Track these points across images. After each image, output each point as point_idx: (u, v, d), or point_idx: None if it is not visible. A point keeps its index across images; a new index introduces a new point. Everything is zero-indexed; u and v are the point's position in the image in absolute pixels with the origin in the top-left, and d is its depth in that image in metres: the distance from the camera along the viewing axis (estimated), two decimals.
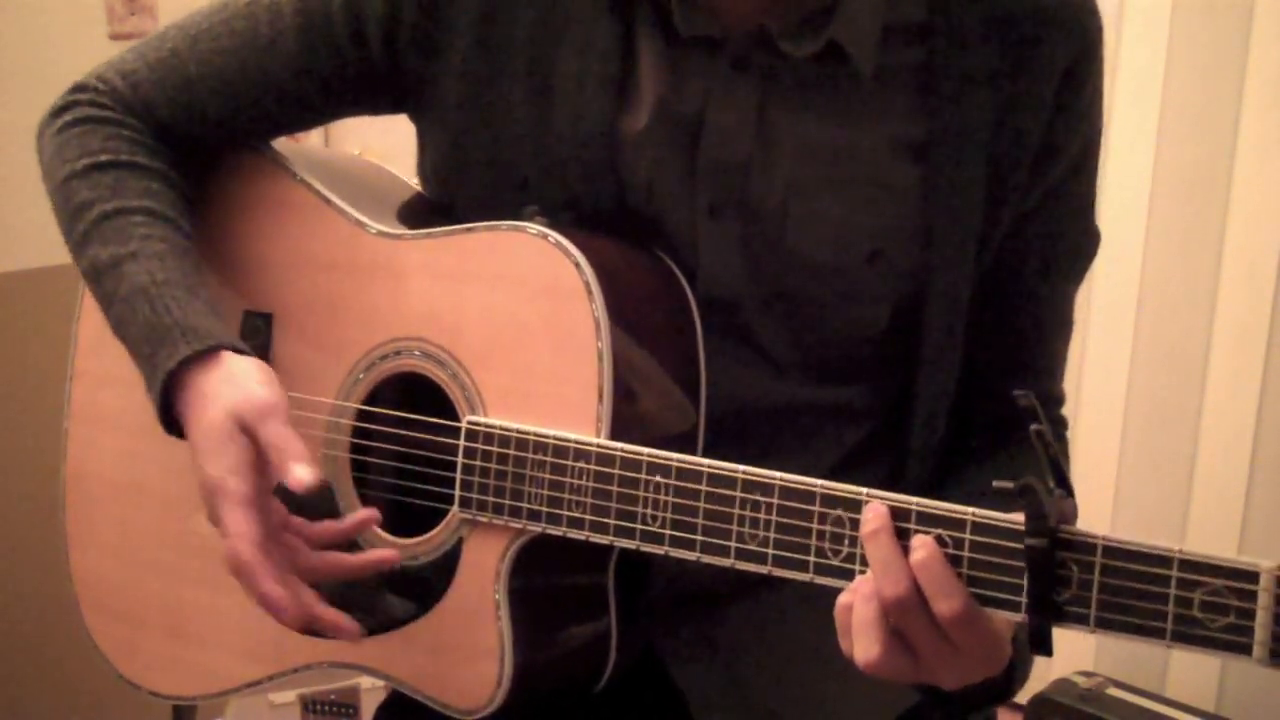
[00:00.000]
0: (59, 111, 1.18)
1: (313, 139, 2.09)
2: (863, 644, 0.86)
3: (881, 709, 1.11)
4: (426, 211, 1.18)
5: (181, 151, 1.18)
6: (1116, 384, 2.51)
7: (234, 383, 1.02)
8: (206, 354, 1.04)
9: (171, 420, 1.06)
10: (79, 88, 1.19)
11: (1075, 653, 2.47)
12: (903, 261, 1.07)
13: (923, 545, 0.84)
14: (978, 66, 1.04)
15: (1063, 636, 0.83)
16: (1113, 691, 2.31)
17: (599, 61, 1.05)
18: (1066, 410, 1.20)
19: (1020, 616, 0.83)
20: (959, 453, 1.15)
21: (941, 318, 1.08)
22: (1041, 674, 2.32)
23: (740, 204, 1.05)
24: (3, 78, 2.31)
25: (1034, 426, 0.79)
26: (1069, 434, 1.19)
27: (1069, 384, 1.21)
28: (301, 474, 0.97)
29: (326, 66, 1.12)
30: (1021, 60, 1.04)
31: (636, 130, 1.05)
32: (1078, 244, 1.14)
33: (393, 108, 1.15)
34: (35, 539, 2.20)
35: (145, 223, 1.11)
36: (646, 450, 0.95)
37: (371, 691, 2.11)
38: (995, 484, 0.81)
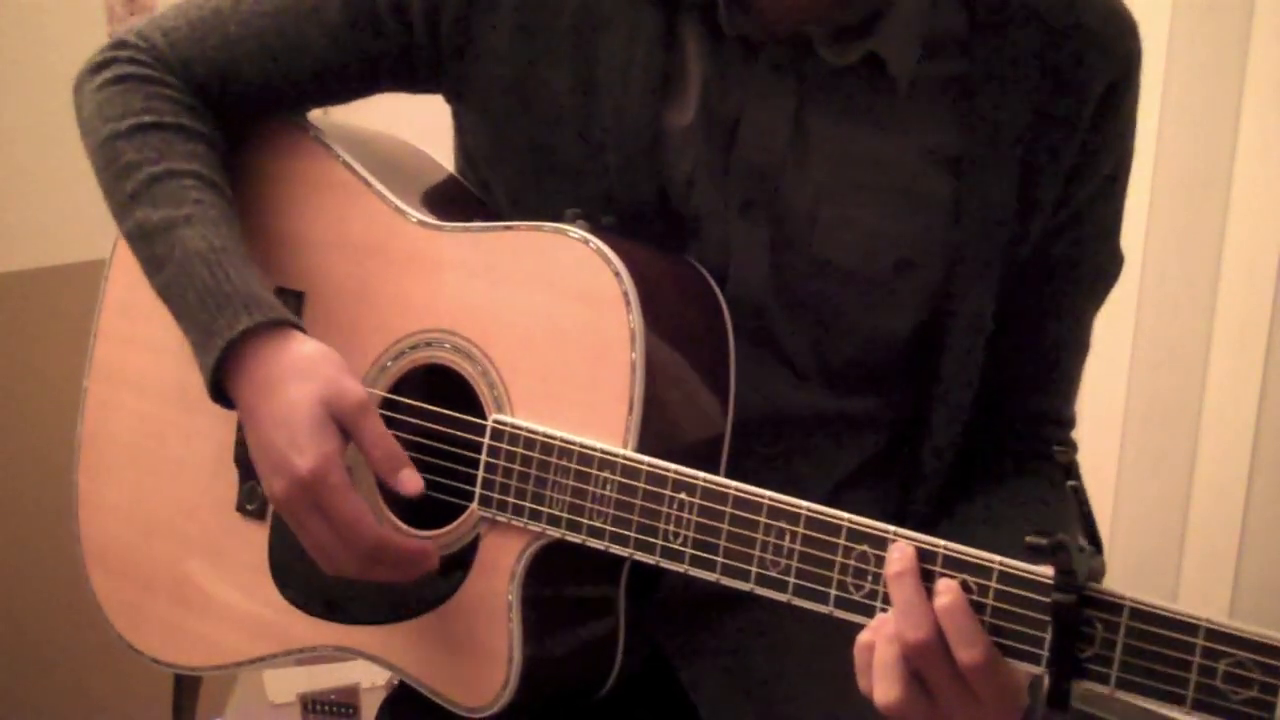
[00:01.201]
0: (99, 68, 1.15)
1: None
2: (883, 686, 0.85)
3: None
4: (466, 199, 1.17)
5: (219, 113, 1.16)
6: (1116, 384, 2.51)
7: (316, 369, 1.01)
8: (272, 328, 1.03)
9: (219, 388, 1.04)
10: (119, 44, 1.16)
11: None
12: (929, 273, 1.07)
13: (948, 590, 0.84)
14: (1016, 82, 1.04)
15: None
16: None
17: (644, 51, 1.04)
18: None
19: (1040, 669, 0.83)
20: (969, 471, 1.14)
21: (963, 332, 1.08)
22: None
23: (770, 207, 1.05)
24: (2, 78, 2.30)
25: (1070, 483, 0.80)
26: (1078, 456, 1.18)
27: None
28: (413, 481, 0.99)
29: (366, 40, 1.11)
30: (1061, 79, 1.04)
31: (682, 126, 1.05)
32: (1101, 265, 1.14)
33: (430, 87, 1.14)
34: (38, 539, 2.19)
35: (196, 186, 1.09)
36: (673, 466, 0.94)
37: (371, 691, 2.10)
38: (1029, 540, 0.80)
